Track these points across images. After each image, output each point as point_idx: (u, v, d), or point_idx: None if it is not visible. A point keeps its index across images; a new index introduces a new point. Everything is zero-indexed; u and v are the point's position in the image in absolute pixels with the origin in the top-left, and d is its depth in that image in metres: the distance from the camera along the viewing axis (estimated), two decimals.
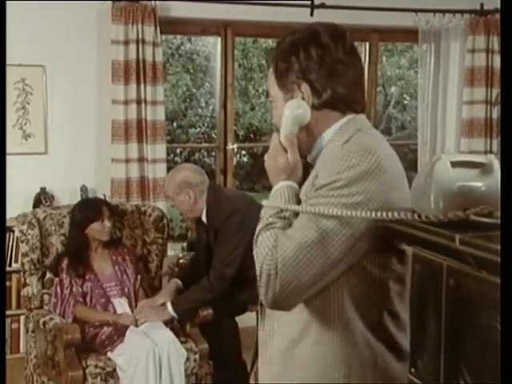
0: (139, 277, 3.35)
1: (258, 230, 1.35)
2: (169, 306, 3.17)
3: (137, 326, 3.10)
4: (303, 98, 1.37)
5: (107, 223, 3.23)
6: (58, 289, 3.15)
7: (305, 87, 1.37)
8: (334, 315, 1.28)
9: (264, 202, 1.38)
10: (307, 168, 1.40)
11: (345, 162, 1.24)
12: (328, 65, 1.35)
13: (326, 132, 1.37)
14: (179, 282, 3.34)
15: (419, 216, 0.96)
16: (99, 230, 3.22)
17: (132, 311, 3.20)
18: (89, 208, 3.29)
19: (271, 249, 1.26)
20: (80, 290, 3.16)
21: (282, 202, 1.33)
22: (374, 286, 1.26)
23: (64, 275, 3.16)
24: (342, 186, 1.22)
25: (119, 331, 3.04)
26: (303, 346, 1.31)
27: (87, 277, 3.19)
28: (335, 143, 1.33)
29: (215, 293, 3.16)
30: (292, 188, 1.35)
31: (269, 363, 1.40)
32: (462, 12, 4.65)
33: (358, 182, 1.21)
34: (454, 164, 1.00)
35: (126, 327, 3.06)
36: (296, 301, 1.28)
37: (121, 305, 3.21)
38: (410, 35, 4.75)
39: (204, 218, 3.31)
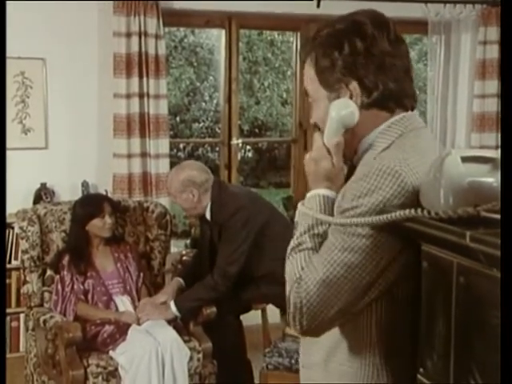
0: (142, 274, 3.36)
1: (289, 249, 1.28)
2: (172, 304, 3.18)
3: (139, 324, 3.11)
4: (351, 97, 1.29)
5: (108, 220, 3.24)
6: (59, 286, 3.16)
7: (353, 85, 1.28)
8: (362, 339, 1.26)
9: (299, 207, 1.30)
10: (352, 171, 1.31)
11: (367, 183, 1.17)
12: (376, 58, 1.27)
13: (370, 135, 1.30)
14: (181, 281, 3.35)
15: (429, 212, 0.95)
16: (100, 226, 3.23)
17: (134, 309, 3.21)
18: (90, 204, 3.31)
19: (297, 280, 1.22)
20: (81, 287, 3.17)
21: (313, 215, 1.26)
22: (403, 314, 1.23)
23: (65, 272, 3.17)
24: (363, 213, 1.16)
25: (121, 329, 3.05)
26: (335, 361, 1.31)
27: (89, 274, 3.20)
28: (373, 150, 1.27)
29: (219, 291, 3.17)
30: (328, 198, 1.28)
31: (308, 368, 1.39)
32: (473, 2, 4.62)
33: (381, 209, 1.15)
34: (465, 159, 0.99)
35: (128, 325, 3.07)
36: (325, 330, 1.27)
37: (123, 303, 3.22)
38: (419, 27, 4.73)
39: (208, 216, 3.31)
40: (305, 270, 1.22)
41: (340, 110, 1.28)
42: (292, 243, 1.28)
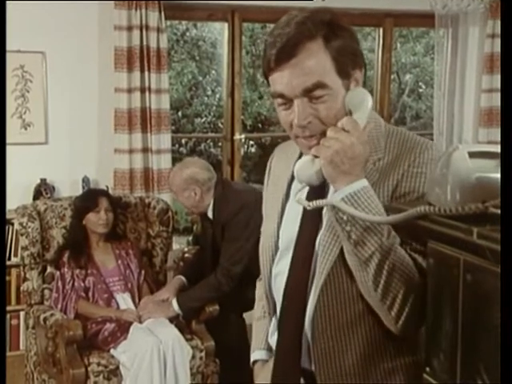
0: (143, 271, 3.36)
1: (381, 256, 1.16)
2: (174, 302, 3.18)
3: (140, 322, 3.12)
4: (356, 85, 1.27)
5: (103, 215, 3.25)
6: (60, 284, 3.17)
7: (358, 74, 1.26)
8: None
9: (370, 217, 1.14)
10: None
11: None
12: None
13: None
14: (183, 278, 3.35)
15: (439, 209, 0.95)
16: (94, 221, 3.25)
17: (136, 307, 3.22)
18: (86, 198, 3.37)
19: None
20: (82, 284, 3.18)
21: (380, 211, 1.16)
22: None
23: (66, 269, 3.19)
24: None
25: (122, 327, 3.05)
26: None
27: (89, 271, 3.21)
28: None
29: (222, 291, 3.17)
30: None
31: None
32: None
33: None
34: (472, 154, 0.99)
35: (130, 323, 3.08)
36: None
37: (124, 300, 3.23)
38: (426, 20, 4.72)
39: (210, 214, 3.31)
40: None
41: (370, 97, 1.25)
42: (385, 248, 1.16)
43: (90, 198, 3.35)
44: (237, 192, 3.35)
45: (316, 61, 1.21)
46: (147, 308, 3.18)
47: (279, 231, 1.42)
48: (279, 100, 1.26)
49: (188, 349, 3.05)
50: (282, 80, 1.22)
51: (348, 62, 1.24)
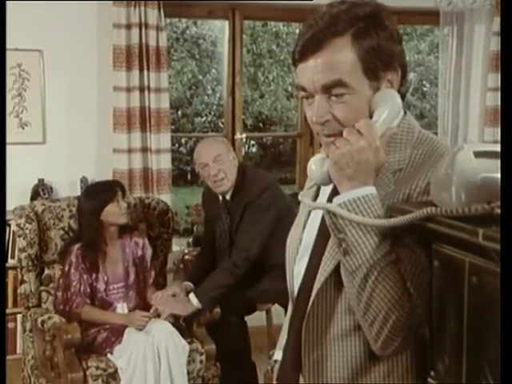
0: (148, 275, 3.29)
1: (364, 272, 1.14)
2: (192, 296, 3.10)
3: (142, 327, 3.03)
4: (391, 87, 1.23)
5: (123, 203, 3.16)
6: (65, 285, 3.08)
7: (392, 76, 1.22)
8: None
9: (359, 219, 1.12)
10: None
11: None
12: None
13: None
14: (191, 285, 3.25)
15: (446, 210, 0.95)
16: (115, 211, 3.12)
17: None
18: (102, 190, 3.20)
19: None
20: (88, 289, 3.10)
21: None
22: None
23: (73, 270, 3.08)
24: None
25: (116, 332, 3.00)
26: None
27: (95, 276, 3.11)
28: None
29: (238, 274, 3.11)
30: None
31: None
32: None
33: None
34: (478, 154, 0.98)
35: (124, 327, 3.01)
36: None
37: (123, 308, 3.16)
38: (430, 17, 4.72)
39: (228, 196, 3.29)
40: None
41: (398, 99, 1.23)
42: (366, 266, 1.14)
43: (106, 188, 3.20)
44: (259, 173, 3.43)
45: (339, 58, 1.18)
46: (167, 303, 3.09)
47: (305, 229, 1.39)
48: (302, 93, 1.25)
49: (183, 343, 2.99)
50: (305, 73, 1.21)
51: (378, 62, 1.19)
